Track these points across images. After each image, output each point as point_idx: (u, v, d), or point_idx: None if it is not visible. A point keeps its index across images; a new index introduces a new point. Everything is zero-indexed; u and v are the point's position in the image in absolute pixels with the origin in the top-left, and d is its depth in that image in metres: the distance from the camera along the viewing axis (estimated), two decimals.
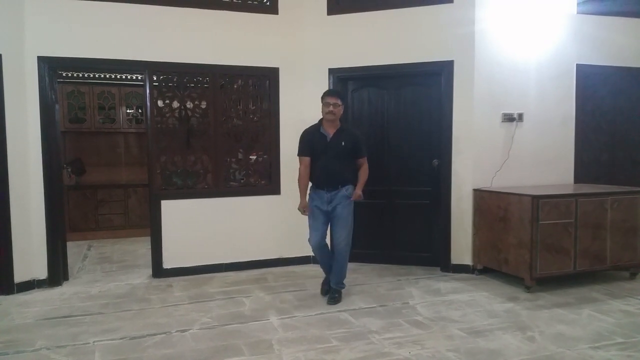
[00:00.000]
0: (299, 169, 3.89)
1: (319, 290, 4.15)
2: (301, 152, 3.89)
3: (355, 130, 3.99)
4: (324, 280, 4.10)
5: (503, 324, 3.37)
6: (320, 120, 3.89)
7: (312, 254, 5.02)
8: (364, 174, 3.93)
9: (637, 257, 4.41)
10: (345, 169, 3.83)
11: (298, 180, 3.89)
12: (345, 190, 3.82)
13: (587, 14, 4.86)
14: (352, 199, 3.84)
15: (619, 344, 3.01)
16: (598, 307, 3.69)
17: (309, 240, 3.90)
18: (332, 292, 3.92)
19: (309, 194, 3.90)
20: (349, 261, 5.04)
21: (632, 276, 4.45)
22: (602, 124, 5.12)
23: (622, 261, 4.36)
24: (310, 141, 3.85)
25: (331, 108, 3.75)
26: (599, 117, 5.09)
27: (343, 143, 3.78)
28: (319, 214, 3.84)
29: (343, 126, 3.90)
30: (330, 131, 3.81)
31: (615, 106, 5.15)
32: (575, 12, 4.82)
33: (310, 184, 3.91)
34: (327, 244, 3.99)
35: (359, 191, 3.88)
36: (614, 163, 5.21)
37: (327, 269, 4.00)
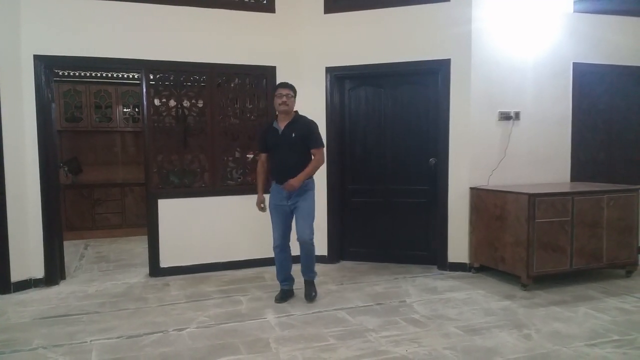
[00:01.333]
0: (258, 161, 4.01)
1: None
2: (258, 149, 4.01)
3: (311, 121, 3.84)
4: (280, 292, 3.94)
5: (500, 322, 3.38)
6: (275, 116, 3.86)
7: None
8: (312, 163, 3.77)
9: (633, 255, 4.43)
10: (301, 162, 3.74)
11: (256, 171, 4.02)
12: (304, 185, 3.75)
13: (584, 12, 4.87)
14: (283, 187, 3.69)
15: (614, 342, 3.02)
16: (594, 305, 3.70)
17: (273, 231, 3.90)
18: (307, 288, 3.93)
19: (270, 191, 3.89)
20: (345, 259, 5.09)
21: (628, 274, 4.46)
22: (599, 123, 5.13)
23: (618, 259, 4.38)
24: (264, 137, 3.87)
25: (284, 99, 3.69)
26: (596, 116, 5.10)
27: (293, 135, 3.72)
28: (278, 212, 3.82)
29: (296, 117, 3.81)
30: (282, 124, 3.76)
31: (611, 105, 5.16)
32: (572, 11, 4.82)
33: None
34: (289, 248, 3.91)
35: (297, 179, 3.65)
36: (610, 161, 5.21)
37: (283, 276, 3.93)
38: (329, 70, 4.88)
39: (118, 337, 3.16)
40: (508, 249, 4.19)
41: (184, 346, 3.02)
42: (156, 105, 4.59)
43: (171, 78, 4.61)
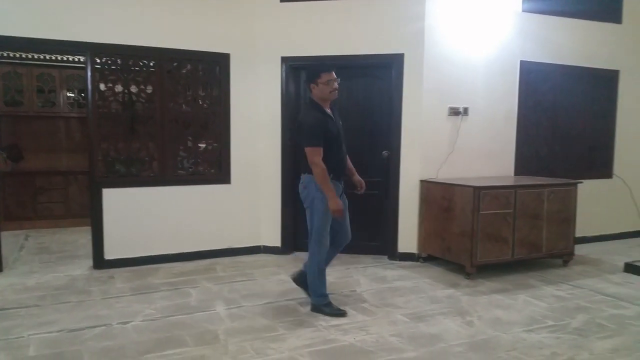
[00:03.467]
0: (319, 163, 3.16)
1: (268, 280, 4.16)
2: (320, 141, 3.18)
3: None
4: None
5: (444, 309, 3.49)
6: (313, 102, 3.32)
7: (262, 243, 5.05)
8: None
9: (569, 246, 4.67)
10: None
11: (323, 176, 3.17)
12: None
13: (532, 12, 5.04)
14: (360, 189, 3.61)
15: (549, 327, 3.18)
16: (533, 293, 3.88)
17: (323, 243, 3.36)
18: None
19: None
20: (299, 250, 5.10)
21: (565, 263, 4.69)
22: (543, 119, 5.34)
23: (557, 249, 4.60)
24: (326, 127, 3.23)
25: (336, 85, 3.25)
26: (540, 113, 5.31)
27: (341, 123, 3.41)
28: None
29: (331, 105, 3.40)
30: (330, 113, 3.33)
31: (555, 102, 5.39)
32: (521, 10, 4.99)
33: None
34: None
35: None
36: (552, 156, 5.45)
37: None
38: (284, 60, 4.83)
39: (58, 331, 3.05)
40: (454, 240, 4.31)
41: (129, 339, 2.94)
42: (102, 90, 4.42)
43: (118, 62, 4.44)
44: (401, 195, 4.74)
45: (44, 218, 6.44)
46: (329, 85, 3.23)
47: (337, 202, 3.20)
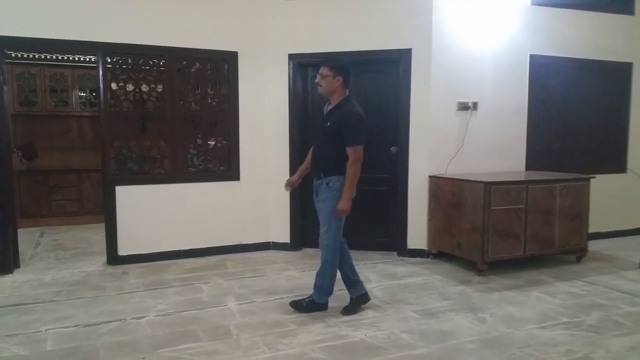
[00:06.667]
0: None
1: (277, 276, 4.18)
2: None
3: (352, 111, 3.18)
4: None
5: (455, 305, 3.48)
6: None
7: (271, 240, 5.08)
8: (349, 170, 3.17)
9: (583, 242, 4.61)
10: (333, 158, 3.20)
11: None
12: (325, 182, 3.30)
13: (541, 5, 5.00)
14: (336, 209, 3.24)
15: (563, 324, 3.15)
16: (546, 289, 3.84)
17: (336, 241, 3.33)
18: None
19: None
20: (307, 247, 5.10)
21: (578, 260, 4.64)
22: (554, 113, 5.29)
23: (569, 245, 4.55)
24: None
25: (317, 79, 3.23)
26: (551, 107, 5.26)
27: (329, 123, 3.20)
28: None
29: (342, 102, 3.23)
30: (326, 108, 3.32)
31: (565, 96, 5.34)
32: (530, 3, 4.95)
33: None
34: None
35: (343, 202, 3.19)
36: (563, 151, 5.40)
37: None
38: (291, 57, 4.84)
39: (75, 326, 3.11)
40: (464, 236, 4.30)
41: (143, 334, 2.99)
42: (113, 90, 4.46)
43: (129, 61, 4.49)
44: (410, 191, 4.73)
45: (58, 215, 6.54)
46: None
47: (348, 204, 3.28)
